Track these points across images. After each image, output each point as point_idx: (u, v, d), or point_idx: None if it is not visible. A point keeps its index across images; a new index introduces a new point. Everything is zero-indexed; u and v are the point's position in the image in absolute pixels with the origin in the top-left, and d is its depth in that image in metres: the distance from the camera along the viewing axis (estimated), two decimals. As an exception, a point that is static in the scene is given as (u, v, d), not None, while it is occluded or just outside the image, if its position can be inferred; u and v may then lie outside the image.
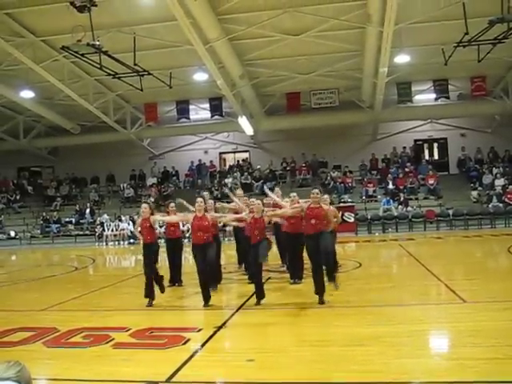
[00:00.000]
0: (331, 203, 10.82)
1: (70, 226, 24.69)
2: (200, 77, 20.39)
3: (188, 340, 5.68)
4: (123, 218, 23.22)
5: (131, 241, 21.78)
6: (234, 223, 9.72)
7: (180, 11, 14.55)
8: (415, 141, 26.37)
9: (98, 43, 13.66)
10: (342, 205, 20.96)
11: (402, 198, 22.23)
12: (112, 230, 22.98)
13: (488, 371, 4.27)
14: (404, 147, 25.72)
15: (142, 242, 8.31)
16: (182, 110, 24.04)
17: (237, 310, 7.30)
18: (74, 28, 13.25)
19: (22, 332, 6.28)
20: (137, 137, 25.96)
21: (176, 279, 9.65)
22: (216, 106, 23.61)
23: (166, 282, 9.42)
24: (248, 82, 21.05)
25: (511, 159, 24.03)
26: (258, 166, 26.10)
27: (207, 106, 24.10)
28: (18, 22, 16.58)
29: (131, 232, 21.77)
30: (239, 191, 11.43)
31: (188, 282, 9.42)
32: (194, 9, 14.81)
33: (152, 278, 8.02)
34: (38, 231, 24.77)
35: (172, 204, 9.76)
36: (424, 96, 23.06)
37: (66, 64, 19.19)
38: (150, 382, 4.43)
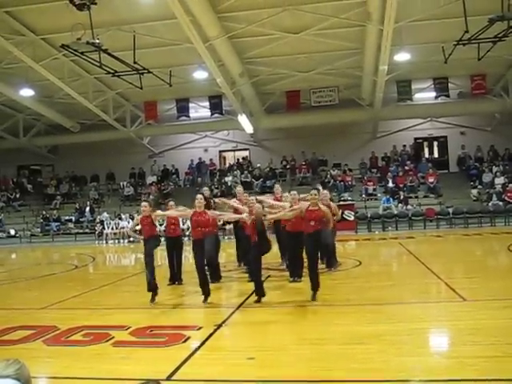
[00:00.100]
0: (331, 200, 10.86)
1: (70, 225, 24.68)
2: (200, 75, 20.37)
3: (188, 338, 5.68)
4: (123, 217, 23.23)
5: (131, 239, 21.78)
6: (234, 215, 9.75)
7: (180, 9, 14.53)
8: (415, 139, 26.37)
9: (97, 41, 13.64)
10: (341, 203, 20.95)
11: (401, 197, 22.23)
12: (112, 229, 22.98)
13: (488, 369, 4.27)
14: (404, 145, 25.71)
15: (142, 237, 8.33)
16: (182, 108, 24.02)
17: (237, 308, 7.30)
18: (74, 26, 13.21)
19: (22, 330, 6.28)
20: (136, 135, 25.95)
21: (176, 278, 9.66)
22: (216, 104, 23.60)
23: (166, 281, 9.47)
24: (248, 80, 21.04)
25: (511, 157, 24.03)
26: (258, 165, 26.09)
27: (207, 104, 24.09)
28: (17, 20, 16.56)
29: (131, 230, 21.75)
30: (239, 188, 11.42)
31: (188, 281, 9.42)
32: (194, 7, 14.80)
33: (153, 266, 8.00)
34: (38, 229, 24.76)
35: (171, 202, 9.80)
36: (424, 94, 23.07)
37: (66, 62, 19.18)
38: (150, 380, 4.42)
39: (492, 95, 22.78)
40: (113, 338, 5.78)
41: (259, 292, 7.52)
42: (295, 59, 19.83)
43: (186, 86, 22.11)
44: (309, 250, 7.58)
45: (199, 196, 7.84)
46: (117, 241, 22.52)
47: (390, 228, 21.30)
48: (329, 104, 22.57)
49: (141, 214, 8.34)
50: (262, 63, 20.21)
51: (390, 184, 23.38)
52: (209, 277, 8.32)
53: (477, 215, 20.68)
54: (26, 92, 20.84)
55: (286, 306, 7.31)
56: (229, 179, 25.33)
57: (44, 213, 25.10)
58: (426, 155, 26.32)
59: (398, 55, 18.43)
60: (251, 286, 7.87)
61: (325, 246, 7.74)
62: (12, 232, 24.60)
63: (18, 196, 27.54)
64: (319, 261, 8.12)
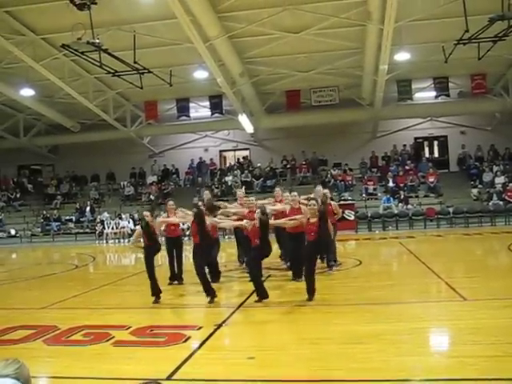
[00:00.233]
0: (331, 199, 10.87)
1: (71, 224, 24.69)
2: (200, 75, 20.36)
3: (188, 338, 5.69)
4: (123, 216, 23.24)
5: (131, 239, 21.75)
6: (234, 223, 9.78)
7: (180, 9, 14.53)
8: (415, 138, 26.36)
9: (97, 41, 13.63)
10: (342, 203, 20.91)
11: (402, 196, 22.23)
12: (112, 228, 22.99)
13: (488, 369, 4.28)
14: (404, 145, 25.71)
15: (143, 243, 8.36)
16: (182, 107, 24.02)
17: (237, 308, 7.30)
18: (74, 26, 13.20)
19: (23, 330, 6.28)
20: (137, 135, 25.96)
21: (176, 277, 9.67)
22: (216, 103, 23.60)
23: (166, 280, 9.47)
24: (248, 80, 21.03)
25: (511, 157, 24.02)
26: (259, 164, 26.09)
27: (207, 103, 24.09)
28: (18, 20, 16.56)
29: (131, 230, 21.74)
30: (240, 191, 11.41)
31: (189, 281, 9.42)
32: (194, 6, 14.80)
33: (154, 275, 8.03)
34: (39, 229, 24.77)
35: (171, 202, 9.84)
36: (424, 94, 23.06)
37: (66, 62, 19.18)
38: (150, 379, 4.42)
39: (492, 95, 22.77)
40: (113, 337, 5.79)
41: (260, 294, 7.52)
42: (295, 59, 19.82)
43: (186, 86, 22.11)
44: (308, 255, 7.58)
45: (199, 203, 7.99)
46: (117, 240, 22.53)
47: (390, 227, 21.30)
48: (329, 104, 22.57)
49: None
50: (262, 63, 20.20)
51: (391, 183, 23.38)
52: (209, 277, 8.34)
53: (477, 215, 20.68)
54: (27, 92, 20.84)
55: (285, 306, 7.31)
56: (229, 179, 25.34)
57: (44, 213, 25.11)
58: (427, 155, 26.31)
59: (398, 55, 18.42)
60: (251, 285, 7.87)
61: (325, 245, 7.73)
62: (12, 232, 24.61)
63: (18, 196, 27.55)
64: (319, 260, 8.14)
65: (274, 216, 9.50)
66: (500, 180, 22.33)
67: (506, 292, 7.33)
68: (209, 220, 8.01)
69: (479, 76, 21.57)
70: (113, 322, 6.70)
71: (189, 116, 24.24)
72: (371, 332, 5.56)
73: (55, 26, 16.56)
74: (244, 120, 23.36)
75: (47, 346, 5.65)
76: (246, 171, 25.81)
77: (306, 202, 8.60)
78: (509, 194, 21.29)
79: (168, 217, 9.72)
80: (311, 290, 7.38)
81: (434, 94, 22.50)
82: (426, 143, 26.87)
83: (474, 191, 22.22)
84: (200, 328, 6.19)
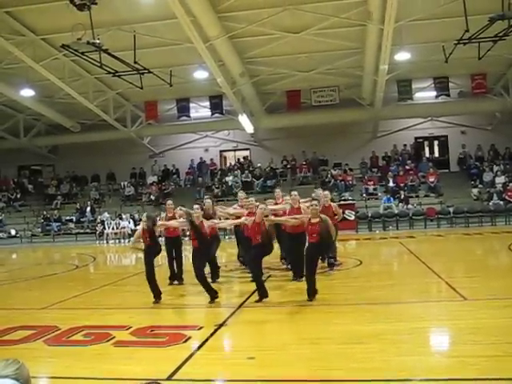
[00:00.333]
0: (332, 200, 10.87)
1: (71, 225, 24.70)
2: (200, 75, 20.36)
3: (189, 338, 5.69)
4: (124, 216, 23.24)
5: (132, 239, 21.76)
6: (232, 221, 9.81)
7: (180, 9, 14.53)
8: (416, 138, 26.35)
9: (98, 41, 13.63)
10: (342, 202, 20.93)
11: (402, 196, 22.22)
12: (113, 228, 22.99)
13: (488, 368, 4.28)
14: (404, 145, 25.70)
15: (143, 244, 8.37)
16: (183, 108, 24.02)
17: (237, 308, 7.31)
18: (74, 26, 13.21)
19: (23, 330, 6.29)
20: (137, 135, 25.96)
21: (176, 276, 9.67)
22: (216, 104, 23.60)
23: (166, 281, 9.47)
24: (248, 80, 21.03)
25: (512, 157, 24.05)
26: (259, 164, 26.09)
27: (207, 104, 24.09)
28: (18, 20, 16.56)
29: (132, 230, 21.75)
30: (241, 193, 11.40)
31: (189, 281, 9.41)
32: (194, 7, 14.80)
33: (153, 275, 8.05)
34: (39, 229, 24.78)
35: (169, 201, 9.86)
36: (424, 93, 23.06)
37: (66, 62, 19.18)
38: (150, 380, 4.43)
39: (492, 94, 22.76)
40: (114, 337, 5.79)
41: (260, 293, 7.53)
42: (296, 59, 19.82)
43: (186, 86, 22.11)
44: (309, 257, 7.55)
45: (196, 206, 8.02)
46: (117, 241, 22.53)
47: (390, 227, 21.29)
48: (329, 104, 22.57)
49: (142, 225, 8.40)
50: (262, 63, 20.20)
51: (391, 183, 23.37)
52: (209, 277, 8.35)
53: (477, 214, 20.67)
54: (27, 92, 20.84)
55: (285, 306, 7.32)
56: (229, 179, 25.34)
57: (45, 213, 25.11)
58: (427, 154, 26.30)
59: (398, 54, 18.41)
60: (252, 286, 7.88)
61: (326, 246, 7.72)
62: (13, 232, 24.61)
63: (18, 196, 27.55)
64: (319, 260, 8.14)
65: (273, 215, 9.49)
66: (500, 180, 22.32)
67: (507, 292, 7.33)
68: (206, 223, 8.00)
69: (479, 76, 21.56)
70: (113, 322, 6.71)
71: (189, 116, 24.24)
72: (371, 332, 5.56)
73: (55, 26, 16.56)
74: (244, 120, 23.36)
75: (48, 346, 5.65)
76: (247, 171, 25.81)
77: (307, 204, 8.62)
78: (509, 193, 21.28)
79: (167, 216, 9.73)
80: (311, 291, 7.37)
81: (434, 93, 22.49)
82: (426, 143, 26.86)
83: (475, 191, 22.22)
84: (200, 328, 6.19)
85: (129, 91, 22.28)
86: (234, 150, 28.30)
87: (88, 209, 24.95)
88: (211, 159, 27.42)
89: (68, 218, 25.11)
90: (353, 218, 21.06)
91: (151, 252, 8.16)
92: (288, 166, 26.15)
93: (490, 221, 20.46)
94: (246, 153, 27.82)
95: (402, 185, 23.17)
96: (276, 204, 10.32)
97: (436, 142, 26.87)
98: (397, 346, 5.05)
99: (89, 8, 12.94)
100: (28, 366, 2.10)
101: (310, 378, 4.41)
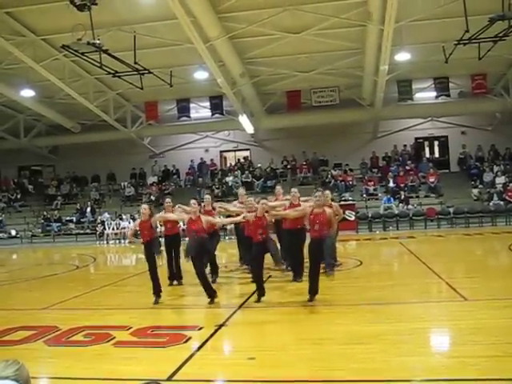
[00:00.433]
0: (332, 200, 10.86)
1: (71, 225, 24.70)
2: (200, 75, 20.36)
3: (189, 338, 5.69)
4: (124, 217, 23.25)
5: (128, 234, 21.77)
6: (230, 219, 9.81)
7: (180, 10, 14.54)
8: (416, 139, 26.34)
9: (98, 42, 13.63)
10: (342, 203, 20.91)
11: (402, 196, 22.22)
12: (113, 229, 23.00)
13: (489, 369, 4.28)
14: (405, 145, 25.69)
15: (142, 241, 8.36)
16: (183, 108, 24.02)
17: (238, 309, 7.30)
18: (75, 27, 13.21)
19: (23, 331, 6.29)
20: (137, 135, 25.96)
21: (175, 276, 9.66)
22: (216, 104, 23.59)
23: (166, 281, 9.46)
24: (248, 81, 21.03)
25: (512, 157, 24.04)
26: (259, 165, 26.09)
27: (208, 104, 24.08)
28: (18, 20, 16.57)
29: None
30: (241, 190, 11.40)
31: (188, 281, 9.41)
32: (194, 7, 14.80)
33: (156, 271, 8.04)
34: (39, 230, 24.78)
35: (168, 200, 9.87)
36: (424, 94, 23.05)
37: (67, 63, 19.19)
38: (151, 380, 4.42)
39: (493, 95, 22.75)
40: (114, 338, 5.79)
41: (259, 291, 7.52)
42: (296, 59, 19.82)
43: (186, 87, 22.12)
44: (313, 255, 7.38)
45: (193, 201, 7.95)
46: (118, 241, 22.53)
47: (390, 228, 21.29)
48: (329, 104, 22.56)
49: (140, 218, 8.39)
50: (262, 63, 20.20)
51: (391, 184, 23.36)
52: (210, 276, 8.35)
53: (478, 215, 20.65)
54: (27, 93, 20.85)
55: (286, 306, 7.31)
56: (230, 179, 25.35)
57: (45, 213, 25.11)
58: (427, 155, 26.28)
59: (398, 55, 18.41)
60: (252, 286, 7.88)
61: (326, 249, 7.64)
62: (13, 232, 24.61)
63: (18, 197, 27.56)
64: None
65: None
66: (500, 180, 22.31)
67: (507, 292, 7.33)
68: (204, 220, 7.96)
69: (479, 76, 21.56)
70: (113, 322, 6.71)
71: (189, 116, 24.23)
72: (372, 332, 5.56)
73: (55, 26, 16.56)
74: (244, 120, 23.37)
75: (48, 346, 5.65)
76: (247, 172, 25.81)
77: (308, 204, 8.56)
78: (509, 194, 21.27)
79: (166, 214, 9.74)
80: (313, 291, 7.31)
81: (434, 94, 22.48)
82: (426, 143, 26.85)
83: (475, 191, 22.21)
84: (201, 328, 6.19)
85: (129, 92, 22.28)
86: (235, 151, 28.30)
87: (88, 209, 24.95)
88: (211, 159, 27.42)
89: (68, 218, 25.11)
90: (353, 218, 21.06)
91: (151, 247, 8.13)
92: (288, 167, 26.15)
93: (491, 221, 20.45)
94: (247, 153, 27.83)
95: (402, 185, 23.17)
96: (276, 200, 10.31)
97: (436, 143, 26.86)
98: (397, 347, 5.05)
99: (89, 8, 12.94)
100: (28, 366, 2.10)
101: (310, 379, 4.41)
